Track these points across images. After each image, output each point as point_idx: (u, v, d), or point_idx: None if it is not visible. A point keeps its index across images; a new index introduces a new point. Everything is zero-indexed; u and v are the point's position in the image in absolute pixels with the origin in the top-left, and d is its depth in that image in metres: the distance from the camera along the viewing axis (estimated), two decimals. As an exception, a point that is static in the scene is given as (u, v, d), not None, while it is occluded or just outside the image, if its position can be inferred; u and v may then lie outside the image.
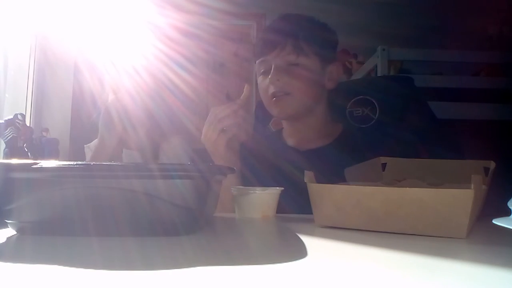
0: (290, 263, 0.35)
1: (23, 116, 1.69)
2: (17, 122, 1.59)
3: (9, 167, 0.46)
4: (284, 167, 0.92)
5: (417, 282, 0.30)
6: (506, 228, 0.47)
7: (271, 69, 0.93)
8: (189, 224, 0.48)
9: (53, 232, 0.46)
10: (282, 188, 0.69)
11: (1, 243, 0.44)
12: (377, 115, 1.02)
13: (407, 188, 0.51)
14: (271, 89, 0.93)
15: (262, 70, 0.97)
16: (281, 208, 0.71)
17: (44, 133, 2.11)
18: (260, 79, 0.98)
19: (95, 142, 1.30)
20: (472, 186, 0.47)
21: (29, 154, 1.63)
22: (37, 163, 0.44)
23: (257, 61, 0.98)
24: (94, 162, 0.47)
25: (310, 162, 0.91)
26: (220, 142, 0.87)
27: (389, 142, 0.92)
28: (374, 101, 1.04)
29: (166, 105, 1.12)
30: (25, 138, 1.61)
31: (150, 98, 1.08)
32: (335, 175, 0.71)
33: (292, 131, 1.03)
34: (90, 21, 2.31)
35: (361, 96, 1.05)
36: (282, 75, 0.92)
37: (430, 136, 1.03)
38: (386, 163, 0.75)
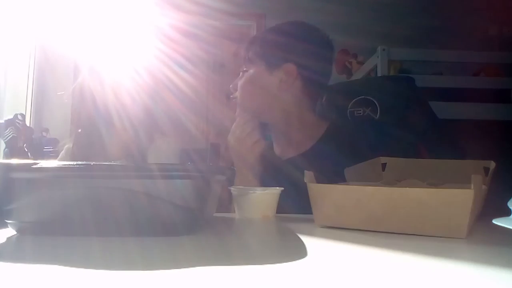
0: (290, 263, 0.35)
1: (23, 116, 1.68)
2: (17, 122, 1.59)
3: (9, 167, 0.46)
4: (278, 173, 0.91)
5: (416, 282, 0.30)
6: (506, 228, 0.47)
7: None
8: (189, 224, 0.48)
9: (53, 232, 0.46)
10: (282, 188, 0.69)
11: (1, 243, 0.44)
12: (378, 115, 1.02)
13: (407, 188, 0.51)
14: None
15: None
16: (281, 208, 0.71)
17: (44, 133, 2.11)
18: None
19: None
20: (472, 186, 0.47)
21: (29, 154, 1.63)
22: (37, 163, 0.44)
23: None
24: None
25: (293, 169, 0.88)
26: (256, 150, 0.88)
27: (390, 142, 0.92)
28: (375, 101, 1.03)
29: (161, 103, 1.11)
30: (25, 138, 1.61)
31: (148, 97, 1.08)
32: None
33: (274, 138, 1.02)
34: (90, 21, 2.31)
35: (362, 96, 1.05)
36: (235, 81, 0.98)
37: (431, 136, 1.03)
38: (386, 163, 0.75)
